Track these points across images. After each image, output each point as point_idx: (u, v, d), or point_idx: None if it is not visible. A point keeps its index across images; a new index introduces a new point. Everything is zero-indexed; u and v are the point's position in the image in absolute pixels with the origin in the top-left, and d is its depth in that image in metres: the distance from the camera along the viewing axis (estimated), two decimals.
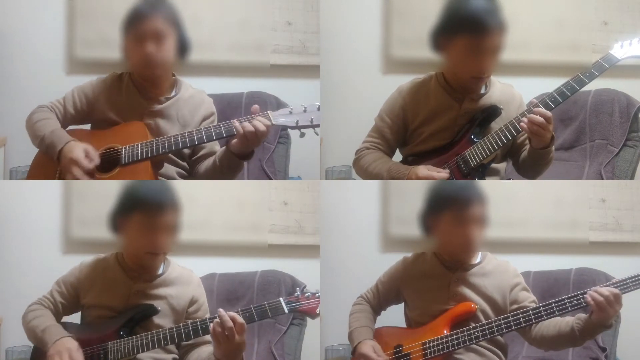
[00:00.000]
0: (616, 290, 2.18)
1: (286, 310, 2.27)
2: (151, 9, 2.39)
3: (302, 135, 2.37)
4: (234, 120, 2.33)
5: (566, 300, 2.23)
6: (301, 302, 2.28)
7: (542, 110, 2.29)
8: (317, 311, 2.30)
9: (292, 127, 2.37)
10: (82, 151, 2.33)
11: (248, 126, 2.31)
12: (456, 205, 2.34)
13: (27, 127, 2.45)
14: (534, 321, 2.26)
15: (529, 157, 2.43)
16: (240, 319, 2.16)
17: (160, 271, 2.38)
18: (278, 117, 2.35)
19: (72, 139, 2.37)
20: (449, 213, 2.35)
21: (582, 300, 2.21)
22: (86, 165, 2.32)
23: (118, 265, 2.37)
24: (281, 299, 2.27)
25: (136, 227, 2.32)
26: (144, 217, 2.32)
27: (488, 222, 2.34)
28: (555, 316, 2.25)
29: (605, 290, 2.18)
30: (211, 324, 2.17)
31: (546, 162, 2.42)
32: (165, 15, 2.40)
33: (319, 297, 2.29)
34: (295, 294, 2.29)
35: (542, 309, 2.25)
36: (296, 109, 2.36)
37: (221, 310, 2.19)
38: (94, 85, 2.49)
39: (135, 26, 2.38)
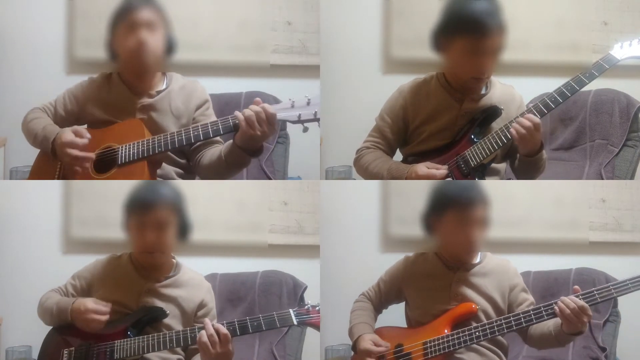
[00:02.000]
0: (582, 303, 2.18)
1: (295, 322, 2.27)
2: (144, 2, 2.41)
3: (306, 130, 2.32)
4: (237, 111, 2.31)
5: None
6: (311, 315, 2.28)
7: (531, 116, 2.30)
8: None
9: (294, 122, 2.32)
10: (70, 132, 2.36)
11: (247, 111, 2.28)
12: (459, 206, 2.34)
13: (22, 129, 2.48)
14: (534, 321, 2.27)
15: (520, 164, 2.44)
16: (224, 329, 2.20)
17: (172, 272, 2.41)
18: (279, 112, 2.30)
19: (62, 129, 2.39)
20: (452, 214, 2.35)
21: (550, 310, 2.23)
22: (79, 142, 2.34)
23: (131, 263, 2.41)
24: (291, 311, 2.27)
25: (134, 227, 2.36)
26: (137, 216, 2.36)
27: (490, 223, 2.34)
28: (555, 316, 2.25)
29: (572, 302, 2.19)
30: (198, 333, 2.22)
31: (537, 168, 2.43)
32: (155, 9, 2.42)
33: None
34: (306, 306, 2.29)
35: (542, 309, 2.26)
36: (299, 102, 2.31)
37: (206, 319, 2.25)
38: (83, 87, 2.51)
39: (128, 16, 2.40)
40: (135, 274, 2.38)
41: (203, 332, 2.20)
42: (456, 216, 2.34)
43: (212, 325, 2.21)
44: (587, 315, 2.19)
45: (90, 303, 2.31)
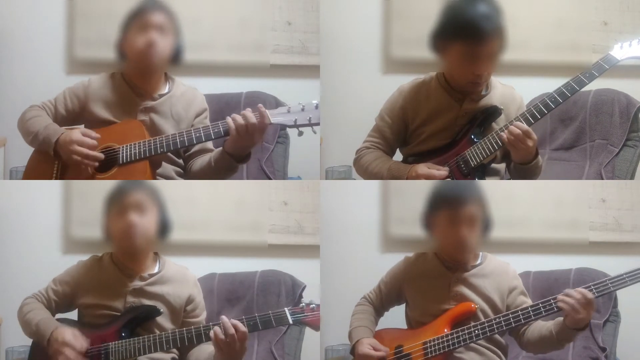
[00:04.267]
0: (588, 293, 2.19)
1: (291, 321, 2.27)
2: (158, 6, 2.44)
3: (300, 134, 2.37)
4: (228, 117, 2.33)
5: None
6: (306, 314, 2.28)
7: (520, 124, 2.30)
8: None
9: (290, 126, 2.36)
10: (78, 132, 2.37)
11: (238, 118, 2.30)
12: (448, 204, 2.35)
13: (19, 127, 2.47)
14: (533, 319, 2.27)
15: (515, 169, 2.44)
16: (242, 327, 2.19)
17: (156, 269, 2.39)
18: (276, 116, 2.34)
19: (66, 129, 2.39)
20: (443, 212, 2.36)
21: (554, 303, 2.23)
22: (88, 142, 2.35)
23: (112, 264, 2.39)
24: (286, 310, 2.27)
25: (113, 217, 2.36)
26: (116, 204, 2.35)
27: (483, 221, 2.34)
28: (554, 312, 2.25)
29: (576, 293, 2.19)
30: (212, 330, 2.20)
31: (531, 175, 2.43)
32: (169, 15, 2.45)
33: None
34: (301, 305, 2.29)
35: (541, 306, 2.26)
36: (294, 108, 2.36)
37: (224, 317, 2.22)
38: (85, 86, 2.51)
39: (141, 17, 2.42)
40: (119, 274, 2.37)
41: (218, 329, 2.18)
42: (447, 215, 2.35)
43: (230, 322, 2.18)
44: (591, 306, 2.19)
45: (69, 337, 2.26)
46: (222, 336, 2.17)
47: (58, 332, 2.26)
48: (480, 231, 2.34)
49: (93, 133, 2.38)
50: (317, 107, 2.35)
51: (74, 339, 2.25)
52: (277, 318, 2.26)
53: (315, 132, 2.37)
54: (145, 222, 2.34)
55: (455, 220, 2.33)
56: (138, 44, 2.41)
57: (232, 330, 2.17)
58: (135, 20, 2.43)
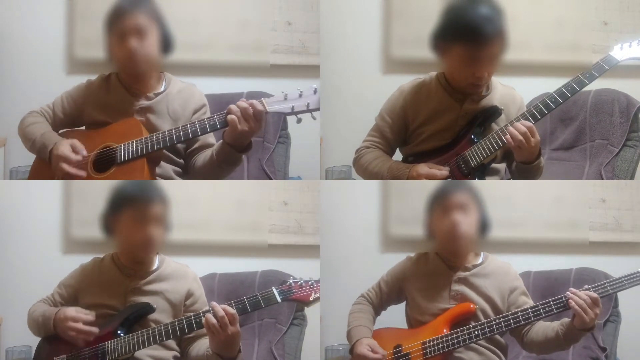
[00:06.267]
0: (594, 294, 2.20)
1: (279, 300, 2.28)
2: (131, 5, 2.40)
3: (299, 121, 2.32)
4: (231, 105, 2.31)
5: (564, 299, 2.24)
6: (294, 290, 2.28)
7: (521, 124, 2.29)
8: (311, 298, 2.29)
9: (288, 114, 2.32)
10: (67, 146, 2.36)
11: (234, 107, 2.29)
12: (438, 199, 2.38)
13: (19, 133, 2.48)
14: (533, 320, 2.27)
15: (517, 169, 2.44)
16: (231, 309, 2.20)
17: (154, 267, 2.40)
18: (273, 105, 2.31)
19: (60, 138, 2.39)
20: (436, 208, 2.38)
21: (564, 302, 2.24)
22: (73, 158, 2.34)
23: (113, 264, 2.40)
24: (273, 288, 2.28)
25: (128, 222, 2.35)
26: (132, 211, 2.34)
27: (477, 211, 2.35)
28: (554, 314, 2.26)
29: (583, 294, 2.20)
30: (204, 317, 2.21)
31: (534, 175, 2.42)
32: (146, 10, 2.41)
33: (312, 284, 2.29)
34: (288, 282, 2.30)
35: (540, 307, 2.27)
36: (291, 94, 2.32)
37: (213, 302, 2.24)
38: (81, 89, 2.51)
39: (117, 23, 2.39)
40: (119, 274, 2.38)
41: (209, 315, 2.19)
42: (438, 208, 2.37)
43: (219, 306, 2.20)
44: (598, 307, 2.20)
45: (71, 312, 2.31)
46: (213, 320, 2.19)
47: (62, 313, 2.30)
48: (475, 221, 2.35)
49: (81, 148, 2.35)
50: (315, 91, 2.32)
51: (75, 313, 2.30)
52: (265, 298, 2.27)
53: (314, 118, 2.33)
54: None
55: (446, 209, 2.35)
56: (120, 53, 2.39)
57: (222, 313, 2.18)
58: (112, 27, 2.40)
